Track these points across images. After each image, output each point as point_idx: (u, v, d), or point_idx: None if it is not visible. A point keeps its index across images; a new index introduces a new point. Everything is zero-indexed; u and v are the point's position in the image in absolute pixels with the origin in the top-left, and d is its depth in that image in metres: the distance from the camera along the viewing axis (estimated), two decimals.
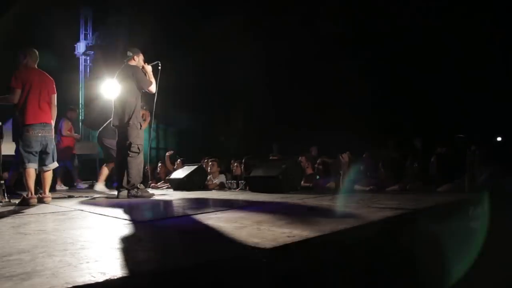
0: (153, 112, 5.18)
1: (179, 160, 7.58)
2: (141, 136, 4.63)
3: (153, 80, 4.76)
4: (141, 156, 4.65)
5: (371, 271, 1.73)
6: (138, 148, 4.54)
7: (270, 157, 6.18)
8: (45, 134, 4.11)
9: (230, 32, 8.96)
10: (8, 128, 5.14)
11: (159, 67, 4.88)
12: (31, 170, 4.08)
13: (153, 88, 4.74)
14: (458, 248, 2.33)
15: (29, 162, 4.06)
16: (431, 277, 2.12)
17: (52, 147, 4.19)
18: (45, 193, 4.17)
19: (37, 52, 4.24)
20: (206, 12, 9.80)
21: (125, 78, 4.65)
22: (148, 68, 4.78)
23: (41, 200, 4.11)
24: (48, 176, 4.24)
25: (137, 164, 4.57)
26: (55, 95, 4.33)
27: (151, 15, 9.34)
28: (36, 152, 4.09)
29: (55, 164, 4.27)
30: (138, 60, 4.75)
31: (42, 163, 4.15)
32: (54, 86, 4.32)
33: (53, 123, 4.28)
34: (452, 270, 2.20)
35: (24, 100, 4.06)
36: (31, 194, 3.99)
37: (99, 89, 7.02)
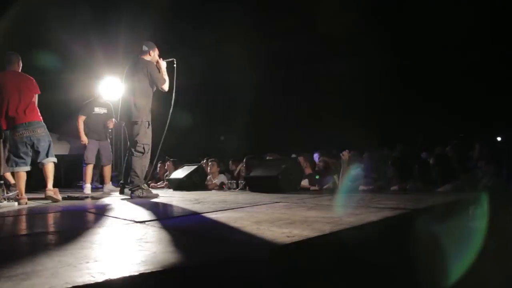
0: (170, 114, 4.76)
1: (169, 161, 7.61)
2: (148, 135, 4.41)
3: (166, 77, 4.52)
4: (147, 156, 4.45)
5: (371, 271, 1.73)
6: (144, 148, 4.36)
7: (268, 157, 6.18)
8: (29, 134, 4.07)
9: (230, 32, 8.97)
10: None
11: (175, 65, 4.60)
12: (20, 173, 4.10)
13: (166, 86, 4.49)
14: (458, 248, 2.33)
15: (17, 165, 4.08)
16: (430, 277, 2.12)
17: (43, 144, 4.13)
18: (46, 187, 4.16)
19: (11, 55, 4.22)
20: (207, 12, 9.81)
21: (137, 73, 4.41)
22: (163, 64, 4.55)
23: (46, 195, 4.12)
24: (48, 170, 4.19)
25: (141, 165, 4.39)
26: (37, 94, 4.23)
27: (152, 15, 9.35)
28: (25, 153, 4.08)
29: (49, 159, 4.19)
30: (154, 55, 4.52)
31: (35, 160, 4.15)
32: (36, 85, 4.23)
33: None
34: (452, 270, 2.20)
35: (5, 104, 4.04)
36: (21, 195, 4.01)
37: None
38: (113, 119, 6.30)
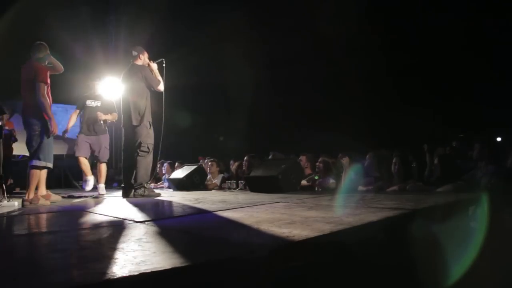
0: (163, 112, 5.01)
1: (166, 163, 7.63)
2: (151, 135, 4.64)
3: (160, 78, 4.76)
4: (151, 155, 4.66)
5: (371, 271, 1.73)
6: (148, 148, 4.57)
7: (270, 157, 6.18)
8: (25, 132, 3.83)
9: (230, 32, 8.96)
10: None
11: (164, 65, 4.85)
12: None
13: (161, 87, 4.74)
14: (458, 248, 2.33)
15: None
16: (431, 277, 2.12)
17: (33, 144, 3.75)
18: (26, 196, 3.79)
19: (37, 46, 3.94)
20: (206, 12, 9.81)
21: (132, 78, 4.64)
22: (154, 66, 4.77)
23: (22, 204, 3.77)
24: (30, 175, 3.76)
25: (146, 163, 4.59)
26: (42, 84, 3.74)
27: (150, 15, 9.35)
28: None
29: (33, 163, 3.77)
30: (144, 58, 4.73)
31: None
32: (40, 73, 3.76)
33: (50, 114, 3.78)
34: (452, 270, 2.20)
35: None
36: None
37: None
38: (105, 114, 5.64)
